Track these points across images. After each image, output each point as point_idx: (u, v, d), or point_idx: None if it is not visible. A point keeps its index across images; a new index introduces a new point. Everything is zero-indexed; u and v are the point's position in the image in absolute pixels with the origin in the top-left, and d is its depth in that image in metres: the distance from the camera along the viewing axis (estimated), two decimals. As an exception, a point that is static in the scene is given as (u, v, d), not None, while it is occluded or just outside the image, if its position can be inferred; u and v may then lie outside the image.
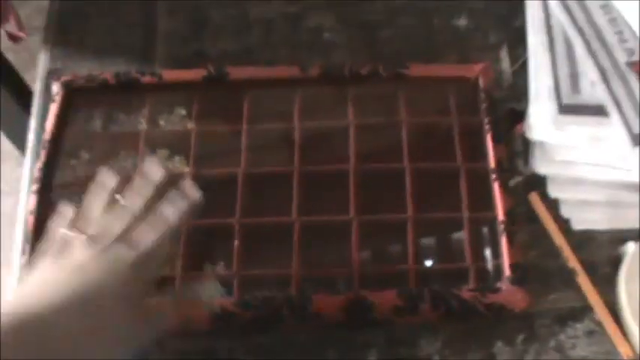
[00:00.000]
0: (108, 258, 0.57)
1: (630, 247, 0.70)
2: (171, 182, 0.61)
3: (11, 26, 0.94)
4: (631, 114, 0.72)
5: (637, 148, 0.71)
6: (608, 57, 0.75)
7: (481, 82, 0.75)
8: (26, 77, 1.19)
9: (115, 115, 0.77)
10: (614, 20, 0.77)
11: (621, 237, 0.71)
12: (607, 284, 0.69)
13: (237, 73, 0.76)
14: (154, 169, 0.61)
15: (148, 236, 0.58)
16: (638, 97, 0.73)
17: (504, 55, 0.80)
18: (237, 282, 0.68)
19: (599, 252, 0.71)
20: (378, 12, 0.84)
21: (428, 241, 0.70)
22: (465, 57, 0.80)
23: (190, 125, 0.76)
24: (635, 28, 0.76)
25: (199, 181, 0.71)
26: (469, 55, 0.80)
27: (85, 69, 0.81)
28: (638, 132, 0.71)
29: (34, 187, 0.72)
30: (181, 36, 0.83)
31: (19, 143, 1.15)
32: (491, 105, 0.74)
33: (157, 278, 0.61)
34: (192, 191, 0.61)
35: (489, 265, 0.68)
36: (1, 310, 0.53)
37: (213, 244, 0.71)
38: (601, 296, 0.69)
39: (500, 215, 0.69)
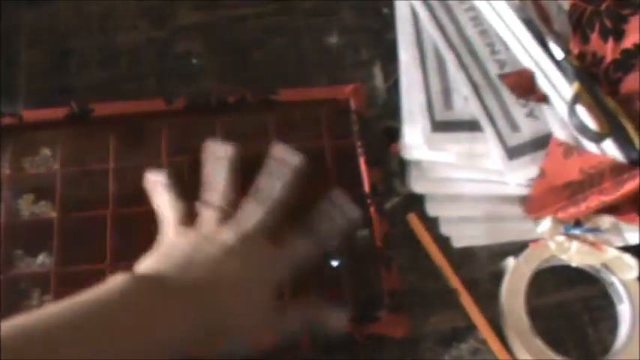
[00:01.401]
0: (252, 242, 0.59)
1: (510, 262, 0.70)
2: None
3: None
4: (504, 127, 0.71)
5: (511, 162, 0.70)
6: (479, 70, 0.74)
7: (352, 104, 0.74)
8: None
9: (-24, 159, 0.74)
10: (485, 32, 0.76)
11: (501, 252, 0.72)
12: (489, 300, 0.69)
13: (102, 109, 0.73)
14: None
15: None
16: (510, 109, 0.72)
17: (377, 71, 0.79)
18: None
19: (480, 268, 0.71)
20: (248, 33, 0.81)
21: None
22: (338, 76, 0.78)
23: (55, 166, 0.73)
24: (506, 39, 0.75)
25: (67, 225, 0.70)
26: (341, 74, 0.78)
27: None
28: (512, 145, 0.71)
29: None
30: (45, 68, 0.79)
31: None
32: (364, 127, 0.73)
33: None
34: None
35: (369, 294, 0.67)
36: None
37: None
38: (484, 313, 0.69)
39: (377, 241, 0.68)
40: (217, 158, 0.63)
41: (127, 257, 0.67)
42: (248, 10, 0.82)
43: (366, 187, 0.70)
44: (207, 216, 0.60)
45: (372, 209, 0.70)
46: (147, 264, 0.58)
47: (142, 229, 0.70)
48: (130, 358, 0.50)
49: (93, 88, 0.78)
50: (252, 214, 0.60)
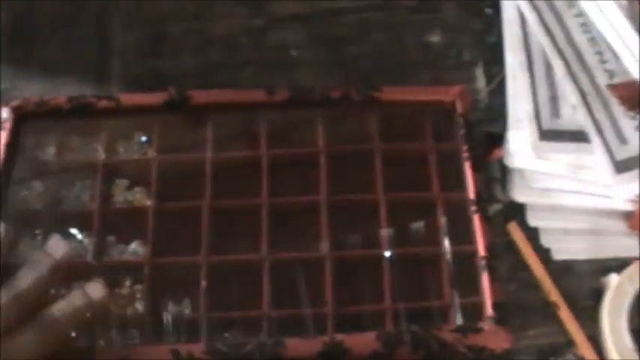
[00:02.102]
0: None
1: (613, 278, 0.68)
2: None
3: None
4: (613, 139, 0.69)
5: (619, 176, 0.68)
6: (588, 79, 0.72)
7: (458, 106, 0.72)
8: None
9: (69, 142, 0.72)
10: (594, 40, 0.74)
11: (602, 267, 0.70)
12: (588, 317, 0.67)
13: (200, 97, 0.71)
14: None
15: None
16: (619, 121, 0.70)
17: (480, 73, 0.77)
18: (205, 325, 0.64)
19: (580, 283, 0.69)
20: (347, 26, 0.79)
21: (404, 278, 0.67)
22: (439, 76, 0.76)
23: (151, 153, 0.71)
24: (616, 48, 0.73)
25: (162, 214, 0.68)
26: (442, 74, 0.77)
27: (36, 89, 0.76)
28: (620, 158, 0.69)
29: (-18, 224, 0.67)
30: (138, 53, 0.78)
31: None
32: (469, 131, 0.71)
33: None
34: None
35: (470, 303, 0.65)
36: None
37: (177, 284, 0.66)
38: (583, 330, 0.67)
39: (481, 250, 0.66)
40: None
41: (222, 250, 0.67)
42: (348, 3, 0.80)
43: (471, 194, 0.68)
44: None
45: (476, 216, 0.67)
46: None
47: (239, 222, 0.69)
48: None
49: (187, 75, 0.77)
50: None
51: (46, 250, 0.58)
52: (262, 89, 0.72)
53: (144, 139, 0.72)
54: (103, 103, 0.72)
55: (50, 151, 0.72)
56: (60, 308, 0.55)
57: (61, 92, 0.74)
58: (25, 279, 0.55)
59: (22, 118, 0.72)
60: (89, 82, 0.76)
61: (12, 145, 0.70)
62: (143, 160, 0.71)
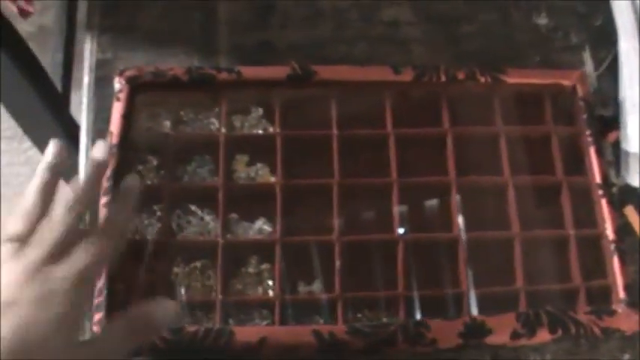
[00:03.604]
0: (40, 282, 0.47)
1: None
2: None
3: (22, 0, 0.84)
4: None
5: None
6: None
7: (579, 90, 0.72)
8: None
9: (184, 114, 0.70)
10: None
11: None
12: None
13: (325, 72, 0.70)
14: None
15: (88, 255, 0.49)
16: None
17: (587, 57, 0.77)
18: (341, 305, 0.63)
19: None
20: (456, 6, 0.79)
21: (534, 260, 0.67)
22: (548, 58, 0.76)
23: (271, 128, 0.69)
24: None
25: (288, 192, 0.66)
26: (552, 57, 0.77)
27: (139, 59, 0.73)
28: None
29: (104, 199, 0.65)
30: (244, 23, 0.76)
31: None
32: (591, 115, 0.71)
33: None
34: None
35: (599, 285, 0.66)
36: None
37: (308, 263, 0.65)
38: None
39: (610, 233, 0.67)
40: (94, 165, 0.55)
41: (352, 231, 0.66)
42: (456, -19, 0.80)
43: (597, 178, 0.69)
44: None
45: (603, 200, 0.68)
46: None
47: (369, 202, 0.68)
48: None
49: (297, 47, 0.75)
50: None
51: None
52: (388, 67, 0.71)
53: (261, 112, 0.70)
54: (224, 76, 0.70)
55: (166, 124, 0.70)
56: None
57: (168, 63, 0.72)
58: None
59: (137, 89, 0.69)
60: (196, 52, 0.74)
61: (127, 116, 0.68)
62: (265, 135, 0.69)
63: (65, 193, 0.52)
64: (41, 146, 1.06)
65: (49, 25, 1.23)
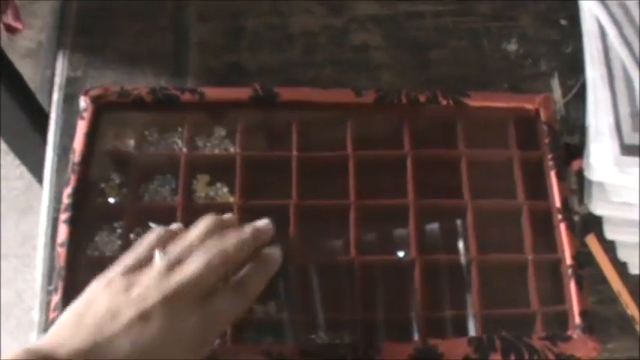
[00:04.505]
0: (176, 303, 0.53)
1: (689, 294, 0.69)
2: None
3: (8, 18, 0.85)
4: (693, 156, 0.70)
5: (698, 192, 0.69)
6: (670, 96, 0.73)
7: (542, 115, 0.72)
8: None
9: (148, 134, 0.71)
10: (675, 56, 0.75)
11: (678, 282, 0.70)
12: (667, 333, 0.68)
13: (288, 94, 0.71)
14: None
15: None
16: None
17: (556, 84, 0.77)
18: (294, 326, 0.63)
19: (656, 297, 0.70)
20: (426, 31, 0.79)
21: (491, 284, 0.67)
22: (517, 85, 0.77)
23: (233, 149, 0.70)
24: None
25: (247, 213, 0.67)
26: (520, 84, 0.77)
27: (109, 78, 0.74)
28: (700, 176, 0.69)
29: (64, 215, 0.65)
30: (215, 45, 0.77)
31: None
32: (554, 140, 0.71)
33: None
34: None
35: (556, 311, 0.66)
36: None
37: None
38: (661, 346, 0.67)
39: (568, 258, 0.67)
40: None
41: (310, 251, 0.66)
42: (426, 7, 0.80)
43: (557, 202, 0.69)
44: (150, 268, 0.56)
45: (563, 225, 0.68)
46: (53, 330, 0.53)
47: (326, 222, 0.68)
48: None
49: (266, 70, 0.76)
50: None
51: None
52: (350, 90, 0.71)
53: (223, 133, 0.71)
54: (187, 96, 0.71)
55: (130, 143, 0.70)
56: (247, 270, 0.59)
57: (136, 82, 0.73)
58: (231, 239, 0.58)
59: (101, 108, 0.70)
60: (165, 73, 0.75)
61: (91, 135, 0.69)
62: (226, 155, 0.70)
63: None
64: (27, 162, 1.08)
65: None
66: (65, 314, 0.54)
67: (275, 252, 0.61)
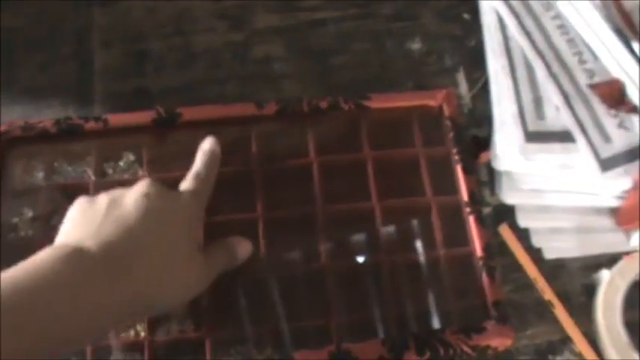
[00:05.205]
0: (164, 192, 0.60)
1: (604, 274, 0.70)
2: None
3: None
4: (597, 138, 0.71)
5: (604, 173, 0.70)
6: (569, 80, 0.73)
7: (445, 110, 0.73)
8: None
9: (57, 165, 0.71)
10: (572, 41, 0.76)
11: (593, 264, 0.71)
12: (583, 314, 0.69)
13: (190, 113, 0.71)
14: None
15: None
16: (601, 120, 0.71)
17: (461, 79, 0.78)
18: (210, 342, 0.64)
19: (572, 281, 0.71)
20: (328, 37, 0.80)
21: (404, 283, 0.67)
22: (422, 82, 0.77)
23: (141, 172, 0.70)
24: (594, 48, 0.75)
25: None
26: (425, 81, 0.78)
27: (18, 112, 0.75)
28: (605, 156, 0.70)
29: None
30: (120, 71, 0.77)
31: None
32: (458, 134, 0.72)
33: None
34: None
35: (471, 304, 0.66)
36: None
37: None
38: (578, 327, 0.68)
39: (479, 251, 0.67)
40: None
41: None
42: (327, 14, 0.81)
43: (464, 196, 0.69)
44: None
45: (471, 218, 0.68)
46: (69, 230, 0.58)
47: (234, 234, 0.68)
48: (57, 335, 0.50)
49: (171, 91, 0.77)
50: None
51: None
52: (252, 103, 0.72)
53: (132, 157, 0.71)
54: (91, 125, 0.71)
55: (39, 176, 0.71)
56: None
57: (44, 115, 0.73)
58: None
59: (8, 143, 0.71)
60: (72, 103, 0.76)
61: (-1, 171, 0.69)
62: (133, 180, 0.70)
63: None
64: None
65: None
66: (67, 222, 0.59)
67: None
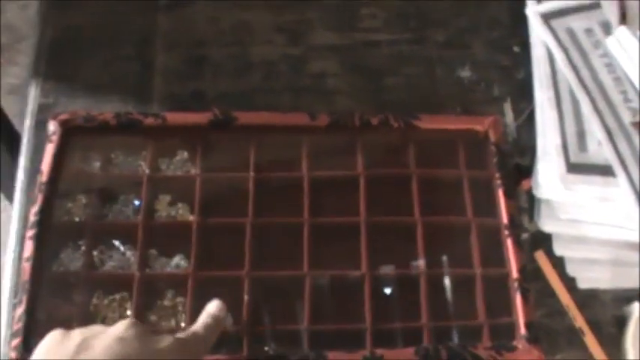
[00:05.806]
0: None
1: (636, 307, 0.71)
2: None
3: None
4: (636, 174, 0.72)
5: (642, 208, 0.71)
6: (613, 116, 0.76)
7: (491, 136, 0.75)
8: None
9: (114, 156, 0.74)
10: (619, 79, 0.78)
11: (624, 296, 0.72)
12: (612, 344, 0.70)
13: (245, 118, 0.74)
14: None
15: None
16: (641, 156, 0.73)
17: (508, 108, 0.80)
18: (247, 338, 0.66)
19: (604, 311, 0.72)
20: (382, 58, 0.83)
21: (441, 296, 0.69)
22: (469, 109, 0.80)
23: (194, 170, 0.73)
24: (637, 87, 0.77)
25: (205, 230, 0.70)
26: (473, 108, 0.80)
27: (79, 105, 0.78)
28: (643, 192, 0.72)
29: (30, 232, 0.68)
30: (179, 74, 0.80)
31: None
32: (501, 159, 0.74)
33: None
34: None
35: (503, 322, 0.68)
36: None
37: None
38: (607, 356, 0.69)
39: (514, 272, 0.69)
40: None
41: (264, 266, 0.69)
42: (383, 36, 0.84)
43: (504, 219, 0.71)
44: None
45: (509, 240, 0.70)
46: None
47: (281, 239, 0.71)
48: None
49: (226, 97, 0.79)
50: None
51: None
52: (305, 113, 0.74)
53: (186, 156, 0.74)
54: (150, 121, 0.74)
55: (95, 165, 0.73)
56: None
57: (104, 109, 0.76)
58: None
59: (69, 132, 0.73)
60: (131, 101, 0.78)
61: (58, 157, 0.72)
62: (186, 177, 0.73)
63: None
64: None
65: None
66: (37, 355, 0.56)
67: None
